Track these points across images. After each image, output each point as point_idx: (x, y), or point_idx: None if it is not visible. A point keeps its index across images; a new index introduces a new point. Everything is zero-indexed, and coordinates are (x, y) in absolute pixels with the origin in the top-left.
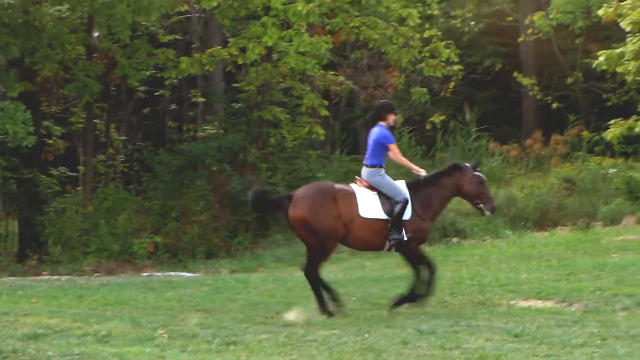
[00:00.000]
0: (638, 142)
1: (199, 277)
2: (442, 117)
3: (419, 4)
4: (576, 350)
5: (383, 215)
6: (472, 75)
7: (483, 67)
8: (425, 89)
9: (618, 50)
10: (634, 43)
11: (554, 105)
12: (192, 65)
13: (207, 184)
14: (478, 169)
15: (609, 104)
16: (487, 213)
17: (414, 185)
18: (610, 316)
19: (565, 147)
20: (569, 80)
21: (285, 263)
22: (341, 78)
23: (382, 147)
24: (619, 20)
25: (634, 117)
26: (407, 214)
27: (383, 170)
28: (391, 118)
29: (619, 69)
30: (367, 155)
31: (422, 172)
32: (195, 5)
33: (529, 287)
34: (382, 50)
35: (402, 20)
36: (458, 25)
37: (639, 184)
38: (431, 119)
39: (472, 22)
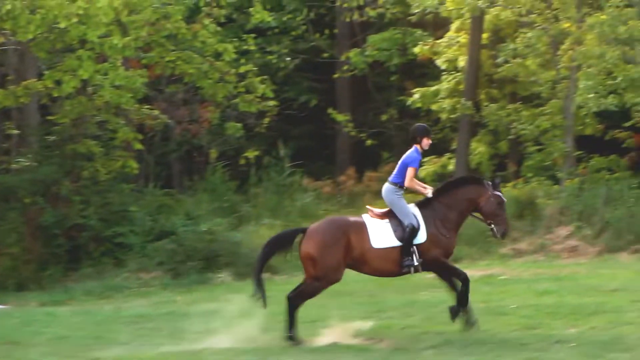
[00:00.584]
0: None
1: (7, 309)
2: (256, 153)
3: (235, 39)
4: None
5: (396, 243)
6: (287, 111)
7: (298, 103)
8: (240, 124)
9: (433, 88)
10: (449, 81)
11: (369, 142)
12: (7, 98)
13: (19, 216)
14: (499, 188)
15: None
16: (499, 236)
17: (426, 203)
18: (419, 354)
19: (378, 183)
20: (384, 117)
21: (95, 296)
22: (156, 112)
23: (406, 167)
24: (435, 58)
25: (448, 154)
26: (421, 237)
27: (402, 192)
28: (425, 141)
29: (433, 107)
30: (394, 173)
31: (429, 192)
32: (11, 37)
33: (337, 323)
34: (198, 85)
35: (218, 55)
36: (274, 61)
37: None
38: (245, 154)
39: (288, 58)
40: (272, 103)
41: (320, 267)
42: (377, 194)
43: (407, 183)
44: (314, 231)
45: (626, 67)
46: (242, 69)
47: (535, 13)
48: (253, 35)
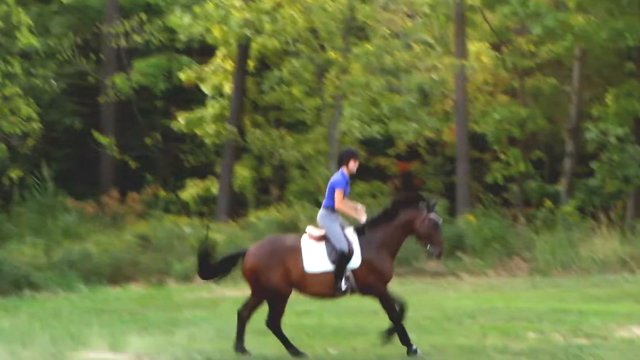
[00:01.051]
0: (214, 203)
1: None
2: (20, 173)
3: (0, 62)
4: None
5: (330, 267)
6: (52, 133)
7: (63, 125)
8: (4, 145)
9: (198, 114)
10: (213, 106)
11: (132, 164)
12: None
13: None
14: (435, 210)
15: (187, 164)
16: (434, 256)
17: (364, 228)
18: None
19: (141, 205)
20: (148, 141)
21: None
22: None
23: (333, 190)
24: (200, 84)
25: (211, 178)
26: (355, 263)
27: (335, 215)
28: (351, 164)
29: (198, 131)
30: (325, 198)
31: (362, 217)
32: None
33: (100, 340)
34: None
35: None
36: (39, 83)
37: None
38: (9, 174)
39: (54, 82)
40: (36, 125)
41: (268, 289)
42: (141, 215)
43: (336, 205)
44: (252, 255)
45: (391, 97)
46: (7, 92)
47: (301, 42)
48: (19, 58)
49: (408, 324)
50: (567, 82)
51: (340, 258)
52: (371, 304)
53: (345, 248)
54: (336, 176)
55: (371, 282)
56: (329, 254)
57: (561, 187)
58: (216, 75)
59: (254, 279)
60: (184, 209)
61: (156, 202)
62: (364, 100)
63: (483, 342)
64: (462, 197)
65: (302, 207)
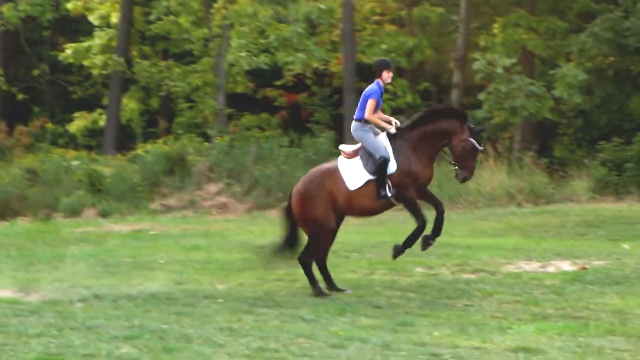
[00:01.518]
0: (102, 136)
1: None
2: None
3: None
4: (32, 340)
5: (370, 177)
6: None
7: None
8: None
9: (85, 44)
10: (100, 37)
11: (20, 96)
12: None
13: None
14: (478, 136)
15: (74, 96)
16: (459, 179)
17: (398, 133)
18: (68, 307)
19: (29, 138)
20: (36, 72)
21: None
22: None
23: (366, 101)
24: (88, 14)
25: (99, 110)
26: (392, 168)
27: (368, 126)
28: (385, 75)
29: (85, 62)
30: (357, 109)
31: (392, 129)
32: None
33: None
34: None
35: None
36: None
37: (101, 176)
38: None
39: None
40: None
41: (312, 223)
42: (28, 148)
43: (366, 115)
44: (295, 192)
45: (279, 26)
46: None
47: None
48: None
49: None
50: (454, 12)
51: (382, 165)
52: (258, 239)
53: (385, 155)
54: (371, 86)
55: (406, 185)
56: (366, 165)
57: None
58: (103, 5)
59: (303, 220)
60: (71, 141)
61: (44, 135)
62: (251, 30)
63: (370, 277)
64: (349, 128)
65: (190, 140)
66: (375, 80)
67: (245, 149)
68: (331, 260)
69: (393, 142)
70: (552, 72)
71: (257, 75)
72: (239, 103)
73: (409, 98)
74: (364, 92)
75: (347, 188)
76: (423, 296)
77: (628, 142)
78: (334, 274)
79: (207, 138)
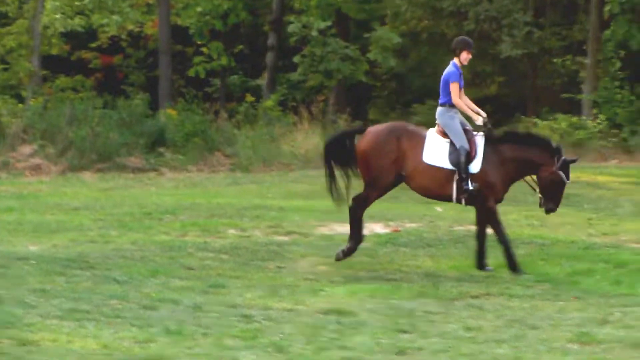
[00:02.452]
0: None
1: None
2: None
3: None
4: None
5: (448, 165)
6: None
7: None
8: None
9: None
10: None
11: None
12: None
13: None
14: (566, 168)
15: None
16: (545, 210)
17: (495, 139)
18: None
19: None
20: None
21: None
22: None
23: (447, 85)
24: None
25: None
26: (476, 167)
27: (454, 111)
28: (464, 55)
29: None
30: (440, 94)
31: (479, 120)
32: None
33: None
34: None
35: None
36: None
37: None
38: None
39: None
40: None
41: (371, 169)
42: None
43: (453, 99)
44: (370, 132)
45: None
46: None
47: None
48: None
49: (108, 221)
50: None
51: (465, 157)
52: (72, 200)
53: (466, 146)
54: (449, 68)
55: (484, 193)
56: (451, 153)
57: (263, 81)
58: None
59: (364, 161)
60: None
61: None
62: None
63: (183, 238)
64: (164, 91)
65: (4, 101)
66: (452, 62)
67: (59, 110)
68: (144, 222)
69: (486, 145)
70: (366, 35)
71: (72, 37)
72: (53, 65)
73: (223, 61)
74: (442, 76)
75: (421, 158)
76: (236, 258)
77: None
78: (146, 237)
79: (21, 100)
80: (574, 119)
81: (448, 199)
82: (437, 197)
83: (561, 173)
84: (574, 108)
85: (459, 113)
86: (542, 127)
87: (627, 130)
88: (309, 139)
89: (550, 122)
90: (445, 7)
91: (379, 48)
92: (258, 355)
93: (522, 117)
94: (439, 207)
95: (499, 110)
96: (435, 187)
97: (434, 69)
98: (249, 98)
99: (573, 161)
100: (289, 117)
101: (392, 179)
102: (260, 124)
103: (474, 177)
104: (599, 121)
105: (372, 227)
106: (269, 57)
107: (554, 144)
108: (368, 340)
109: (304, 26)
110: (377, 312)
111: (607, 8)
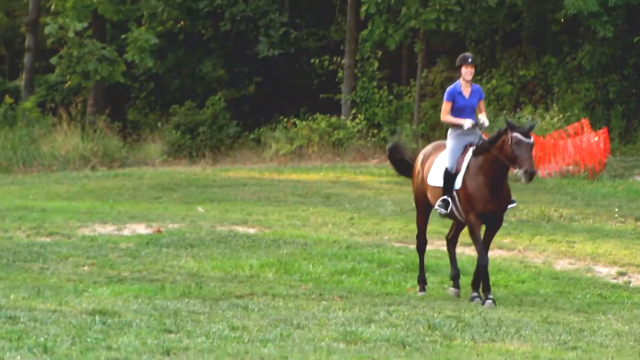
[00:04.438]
0: None
1: None
2: None
3: None
4: None
5: (440, 183)
6: None
7: None
8: None
9: None
10: None
11: None
12: None
13: None
14: (522, 129)
15: None
16: (524, 179)
17: (480, 151)
18: None
19: None
20: None
21: None
22: None
23: None
24: None
25: None
26: (457, 184)
27: (459, 131)
28: (463, 70)
29: None
30: None
31: (466, 124)
32: None
33: None
34: None
35: None
36: None
37: None
38: None
39: None
40: None
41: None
42: None
43: (441, 118)
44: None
45: None
46: None
47: None
48: None
49: None
50: None
51: (444, 175)
52: None
53: (450, 166)
54: (449, 86)
55: (464, 208)
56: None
57: (21, 82)
58: None
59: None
60: None
61: None
62: None
63: None
64: None
65: None
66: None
67: None
68: None
69: (471, 159)
70: (123, 36)
71: None
72: None
73: None
74: None
75: (427, 179)
76: None
77: (201, 105)
78: None
79: None
80: (333, 119)
81: (456, 218)
82: (449, 217)
83: (516, 134)
84: (333, 108)
85: (473, 134)
86: (301, 127)
87: (387, 129)
88: (68, 140)
89: (309, 122)
90: (202, 8)
91: (136, 49)
92: (24, 357)
93: (281, 117)
94: (201, 207)
95: (258, 110)
96: (433, 201)
97: (191, 69)
98: (8, 100)
99: (532, 127)
100: (48, 118)
101: (422, 199)
102: (20, 125)
103: (457, 192)
104: (358, 121)
105: (134, 228)
106: (27, 59)
107: (509, 123)
108: (134, 340)
109: (61, 27)
110: (142, 312)
111: (363, 8)
